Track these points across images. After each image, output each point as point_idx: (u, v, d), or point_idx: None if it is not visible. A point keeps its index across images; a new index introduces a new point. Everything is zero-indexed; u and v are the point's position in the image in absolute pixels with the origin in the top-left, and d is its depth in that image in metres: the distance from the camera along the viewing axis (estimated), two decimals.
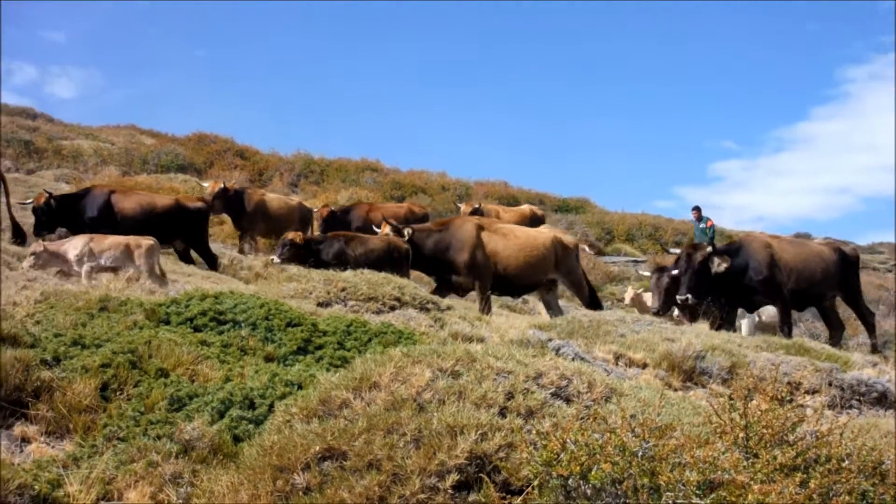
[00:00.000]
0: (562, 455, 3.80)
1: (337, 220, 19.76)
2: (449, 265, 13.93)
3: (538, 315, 15.49)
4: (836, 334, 14.52)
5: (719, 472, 3.65)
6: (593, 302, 15.12)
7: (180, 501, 4.47)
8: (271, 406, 5.37)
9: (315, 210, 20.90)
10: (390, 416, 4.36)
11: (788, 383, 8.44)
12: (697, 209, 23.20)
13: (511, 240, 14.33)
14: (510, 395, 4.64)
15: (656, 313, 14.33)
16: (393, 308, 9.91)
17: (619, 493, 3.67)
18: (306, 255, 13.91)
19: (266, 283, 10.75)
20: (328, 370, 6.21)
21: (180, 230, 15.81)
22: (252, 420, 5.26)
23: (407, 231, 14.04)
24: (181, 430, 4.96)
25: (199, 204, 16.62)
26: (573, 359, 7.20)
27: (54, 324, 6.86)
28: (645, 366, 8.94)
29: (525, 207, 23.61)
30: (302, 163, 35.33)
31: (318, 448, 4.21)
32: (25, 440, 5.23)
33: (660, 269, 14.95)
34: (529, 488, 3.89)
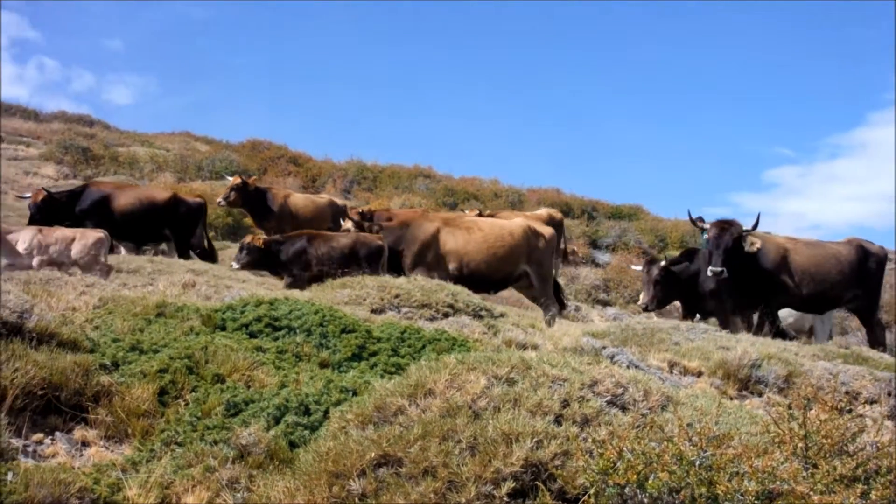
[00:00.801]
0: (618, 463, 3.78)
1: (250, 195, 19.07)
2: (401, 263, 13.39)
3: (591, 322, 15.39)
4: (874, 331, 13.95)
5: (778, 483, 3.60)
6: (556, 300, 14.37)
7: None
8: (326, 412, 5.39)
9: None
10: (445, 422, 4.36)
11: (847, 393, 8.32)
12: (701, 219, 23.02)
13: (474, 234, 13.56)
14: (566, 403, 4.62)
15: (645, 308, 13.98)
16: (446, 315, 9.91)
17: (676, 502, 3.64)
18: (267, 258, 13.42)
19: (320, 290, 10.78)
20: (382, 377, 6.22)
21: (178, 225, 15.87)
22: (307, 426, 5.28)
23: (373, 228, 13.61)
24: (238, 436, 5.00)
25: (198, 200, 16.73)
26: (628, 367, 7.16)
27: (112, 329, 6.95)
28: (700, 374, 8.86)
29: (542, 211, 22.85)
30: (355, 169, 35.47)
31: (373, 454, 4.22)
32: (85, 444, 5.30)
33: (650, 262, 14.48)
34: (586, 496, 3.86)
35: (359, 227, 13.82)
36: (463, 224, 13.77)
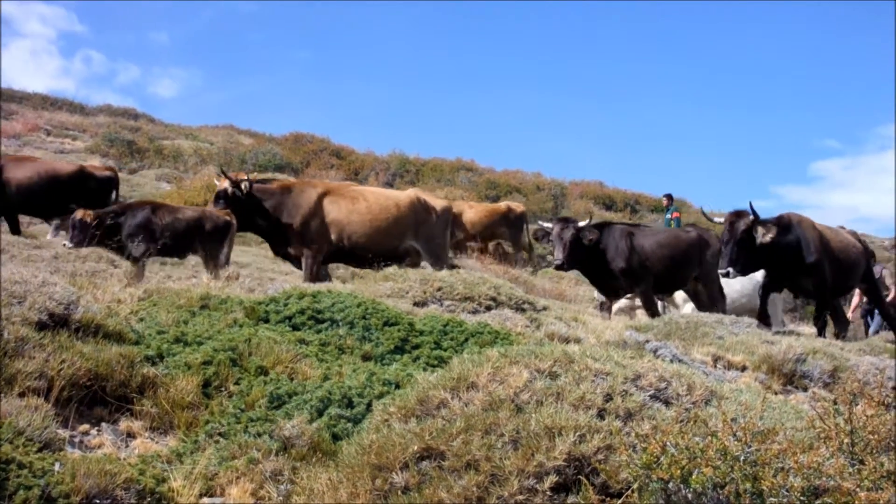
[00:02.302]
0: (662, 458, 3.76)
1: None
2: (283, 232, 12.59)
3: (635, 316, 15.30)
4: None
5: (824, 479, 3.57)
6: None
7: (280, 498, 4.52)
8: (369, 405, 5.41)
9: None
10: (488, 416, 4.35)
11: (894, 388, 8.22)
12: (669, 196, 22.66)
13: (359, 204, 12.79)
14: (608, 397, 4.60)
15: (559, 266, 13.13)
16: (489, 308, 9.90)
17: (720, 497, 3.61)
18: (104, 232, 12.11)
19: (363, 282, 10.82)
20: (425, 370, 6.24)
21: (87, 198, 14.80)
22: (350, 419, 5.30)
23: (244, 184, 12.46)
24: (281, 428, 5.02)
25: (107, 172, 16.12)
26: (671, 361, 7.12)
27: (157, 321, 7.01)
28: (744, 368, 8.79)
29: (501, 205, 22.56)
30: (397, 162, 35.57)
31: (416, 447, 4.22)
32: (131, 435, 5.36)
33: (563, 220, 13.53)
34: (629, 491, 3.84)
35: (235, 185, 12.51)
36: (348, 193, 13.07)
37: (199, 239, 12.63)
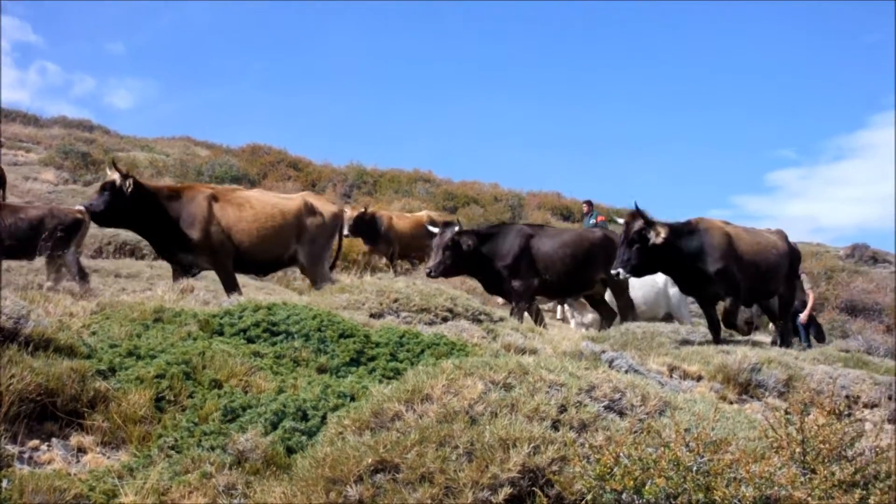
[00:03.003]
0: (615, 469, 3.77)
1: None
2: (181, 242, 11.64)
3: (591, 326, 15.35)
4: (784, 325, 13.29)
5: (776, 488, 3.60)
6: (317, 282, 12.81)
7: None
8: (324, 418, 5.37)
9: None
10: (443, 428, 4.35)
11: (846, 397, 8.31)
12: (589, 203, 22.80)
13: (246, 210, 12.09)
14: (563, 408, 4.61)
15: (429, 274, 13.01)
16: (445, 319, 9.89)
17: None
18: None
19: (319, 294, 10.77)
20: (381, 382, 6.21)
21: None
22: (305, 432, 5.27)
23: (128, 182, 11.32)
24: (235, 442, 4.98)
25: None
26: (627, 371, 7.16)
27: (109, 334, 6.93)
28: (700, 378, 8.86)
29: (422, 214, 22.50)
30: (355, 173, 35.56)
31: (370, 460, 4.20)
32: (81, 450, 5.28)
33: (446, 224, 13.61)
34: (583, 502, 3.85)
35: (124, 177, 11.41)
36: (235, 199, 12.34)
37: (45, 238, 11.89)
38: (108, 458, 5.27)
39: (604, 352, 8.61)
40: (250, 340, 7.15)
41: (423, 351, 7.26)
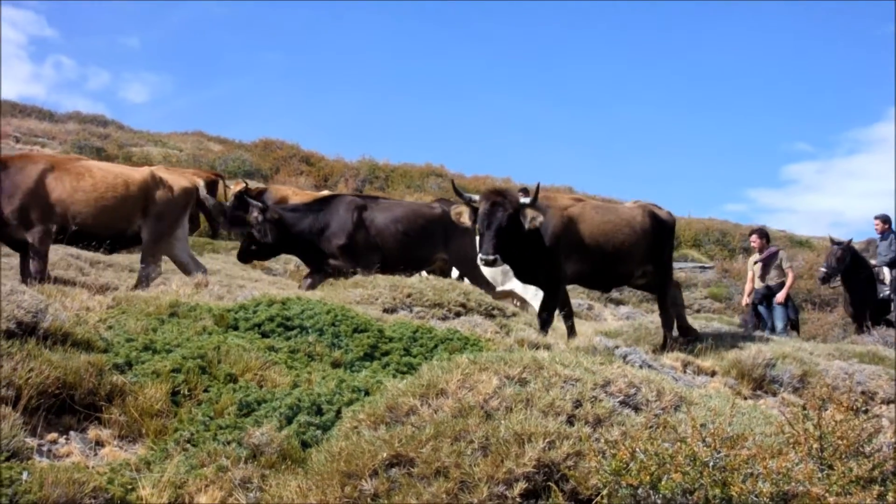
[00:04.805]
0: (631, 464, 3.77)
1: None
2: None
3: (604, 321, 15.33)
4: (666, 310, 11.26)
5: (793, 484, 3.59)
6: (186, 270, 11.92)
7: None
8: (339, 412, 5.39)
9: None
10: (457, 423, 4.35)
11: (863, 393, 8.28)
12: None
13: (84, 180, 11.05)
14: (578, 403, 4.61)
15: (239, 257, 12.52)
16: (458, 314, 9.89)
17: (689, 503, 3.62)
18: None
19: (332, 289, 10.78)
20: (395, 376, 6.22)
21: None
22: (320, 426, 5.28)
23: None
24: (250, 436, 5.00)
25: None
26: (641, 366, 7.16)
27: (126, 329, 6.96)
28: (714, 373, 8.85)
29: (325, 193, 21.18)
30: (367, 168, 35.64)
31: (385, 455, 4.21)
32: (99, 443, 5.32)
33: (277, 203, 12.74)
34: (599, 497, 3.85)
35: None
36: (73, 168, 11.27)
37: None
38: (126, 451, 5.30)
39: (617, 347, 8.61)
40: (265, 335, 7.18)
41: (436, 346, 7.27)
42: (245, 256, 13.04)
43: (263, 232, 12.25)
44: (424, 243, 12.62)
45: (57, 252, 12.51)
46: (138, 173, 11.71)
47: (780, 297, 15.36)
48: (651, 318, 13.43)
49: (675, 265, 28.90)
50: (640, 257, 10.90)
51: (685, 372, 8.70)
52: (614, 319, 17.82)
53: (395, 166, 36.71)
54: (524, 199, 9.55)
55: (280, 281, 14.72)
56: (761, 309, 15.74)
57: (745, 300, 16.43)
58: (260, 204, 12.50)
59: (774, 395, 8.53)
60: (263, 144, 38.28)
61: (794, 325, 15.74)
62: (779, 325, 15.24)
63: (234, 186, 19.47)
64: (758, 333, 12.44)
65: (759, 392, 8.58)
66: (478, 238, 9.84)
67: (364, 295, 10.12)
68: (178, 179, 12.06)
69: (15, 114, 37.87)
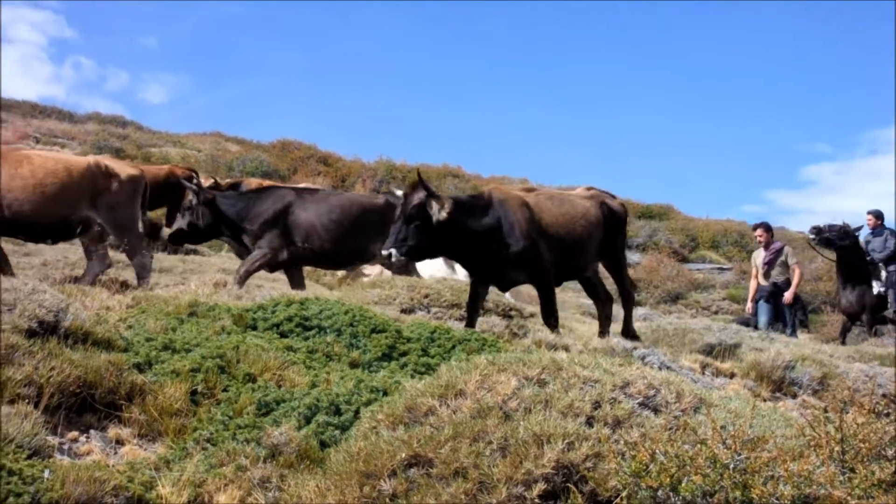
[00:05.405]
0: (651, 466, 3.75)
1: None
2: None
3: (620, 323, 15.26)
4: (604, 307, 10.79)
5: (814, 487, 3.57)
6: (132, 253, 11.42)
7: None
8: (357, 412, 5.40)
9: None
10: (476, 423, 4.35)
11: (883, 395, 8.24)
12: None
13: (23, 167, 10.67)
14: (597, 405, 4.60)
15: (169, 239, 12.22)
16: None
17: None
18: None
19: (350, 289, 10.81)
20: (413, 377, 6.22)
21: None
22: (338, 426, 5.29)
23: None
24: (269, 435, 5.01)
25: None
26: (659, 368, 7.13)
27: (145, 328, 6.98)
28: (732, 375, 8.82)
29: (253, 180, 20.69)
30: (384, 169, 35.66)
31: (404, 455, 4.21)
32: (119, 442, 5.34)
33: (214, 187, 12.63)
34: (618, 499, 3.84)
35: None
36: (12, 157, 10.91)
37: None
38: (145, 450, 5.32)
39: (636, 348, 8.59)
40: (283, 335, 7.18)
41: (454, 346, 7.27)
42: (177, 239, 12.86)
43: (196, 215, 12.06)
44: (358, 234, 11.98)
45: (77, 252, 12.53)
46: (81, 160, 11.43)
47: (788, 296, 15.13)
48: (669, 320, 13.39)
49: (694, 266, 28.94)
50: (594, 249, 10.32)
51: (704, 373, 8.68)
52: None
53: (413, 167, 36.74)
54: (421, 193, 8.95)
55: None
56: (762, 305, 15.32)
57: (749, 306, 15.85)
58: (194, 187, 12.31)
59: (794, 397, 8.50)
60: (281, 145, 38.39)
61: (803, 325, 15.42)
62: (762, 319, 14.97)
63: (205, 181, 19.11)
64: (757, 333, 12.28)
65: (778, 394, 8.54)
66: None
67: (382, 295, 10.14)
68: (124, 168, 11.75)
69: (35, 114, 38.16)
